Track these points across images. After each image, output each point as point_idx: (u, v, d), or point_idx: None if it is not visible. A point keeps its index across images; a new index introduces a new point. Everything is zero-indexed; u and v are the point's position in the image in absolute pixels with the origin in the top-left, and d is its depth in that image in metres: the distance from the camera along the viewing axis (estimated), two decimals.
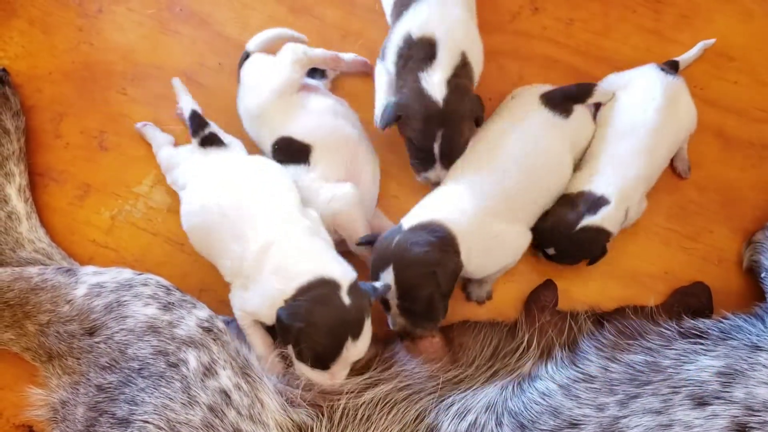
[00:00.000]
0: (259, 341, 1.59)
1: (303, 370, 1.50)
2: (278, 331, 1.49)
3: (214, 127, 1.77)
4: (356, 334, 1.46)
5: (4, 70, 1.92)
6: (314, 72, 1.89)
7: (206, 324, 1.52)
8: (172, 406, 1.39)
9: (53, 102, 1.95)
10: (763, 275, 1.71)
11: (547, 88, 1.77)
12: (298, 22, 1.98)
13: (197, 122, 1.76)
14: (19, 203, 1.80)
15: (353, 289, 1.48)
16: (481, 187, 1.64)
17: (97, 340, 1.48)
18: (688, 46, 1.94)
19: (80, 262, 1.81)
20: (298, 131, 1.71)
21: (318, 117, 1.73)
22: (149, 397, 1.40)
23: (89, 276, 1.58)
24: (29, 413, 1.55)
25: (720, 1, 1.99)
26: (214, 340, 1.50)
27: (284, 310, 1.44)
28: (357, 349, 1.47)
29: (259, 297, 1.52)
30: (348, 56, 1.86)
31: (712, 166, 1.89)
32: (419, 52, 1.67)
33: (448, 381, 1.60)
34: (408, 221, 1.61)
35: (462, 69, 1.67)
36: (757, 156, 1.89)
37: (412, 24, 1.69)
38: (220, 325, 1.55)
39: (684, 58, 1.88)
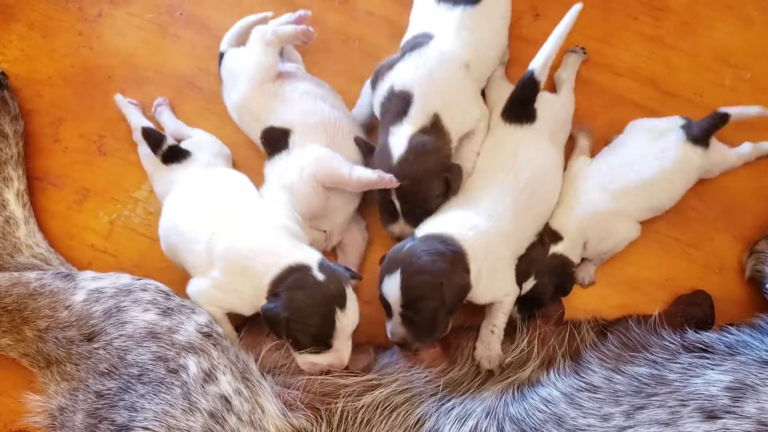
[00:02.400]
0: (227, 333, 1.60)
1: (308, 359, 1.52)
2: (269, 327, 1.53)
3: (170, 139, 1.78)
4: (342, 304, 1.49)
5: (3, 73, 1.91)
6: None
7: (206, 329, 1.51)
8: (172, 413, 1.38)
9: (52, 106, 1.94)
10: (767, 286, 1.70)
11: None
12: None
13: (152, 140, 1.76)
14: (17, 208, 1.79)
15: (323, 266, 1.52)
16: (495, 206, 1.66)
17: (96, 346, 1.47)
18: (690, 54, 1.95)
19: (79, 267, 1.80)
20: (278, 119, 1.72)
21: (296, 102, 1.73)
22: (149, 403, 1.39)
23: (88, 281, 1.58)
24: (27, 420, 1.54)
25: (721, 9, 1.98)
26: (214, 345, 1.49)
27: (267, 307, 1.48)
28: (349, 317, 1.51)
29: (235, 295, 1.56)
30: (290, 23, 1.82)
31: None
32: (395, 106, 1.66)
33: (447, 382, 1.60)
34: (423, 230, 1.61)
35: (431, 129, 1.64)
36: (757, 164, 1.88)
37: (398, 76, 1.68)
38: (220, 330, 1.54)
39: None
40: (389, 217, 1.70)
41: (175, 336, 1.47)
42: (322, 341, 1.50)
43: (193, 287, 1.61)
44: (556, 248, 1.69)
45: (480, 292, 1.60)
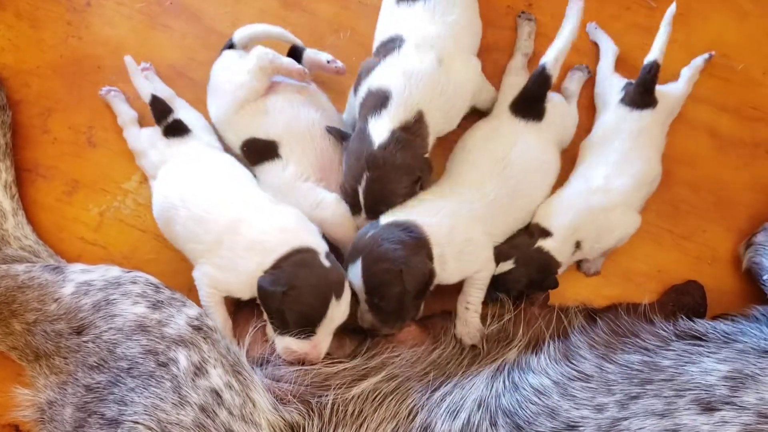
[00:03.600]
0: (220, 321, 1.61)
1: (287, 343, 1.52)
2: (260, 300, 1.52)
3: (178, 111, 1.78)
4: (339, 294, 1.51)
5: None
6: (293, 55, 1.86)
7: (196, 322, 1.50)
8: (162, 407, 1.37)
9: (41, 97, 1.92)
10: (765, 277, 1.70)
11: None
12: (290, 17, 1.97)
13: (159, 109, 1.75)
14: (5, 199, 1.77)
15: (330, 256, 1.54)
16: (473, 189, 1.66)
17: (85, 339, 1.46)
18: (683, 45, 1.94)
19: (68, 260, 1.79)
20: (262, 132, 1.71)
21: (278, 113, 1.72)
22: (139, 397, 1.38)
23: (77, 274, 1.56)
24: (16, 413, 1.53)
25: (714, 1, 1.98)
26: (204, 338, 1.48)
27: (265, 278, 1.49)
28: (341, 309, 1.52)
29: (235, 274, 1.56)
30: (326, 56, 1.82)
31: (705, 164, 1.89)
32: (374, 101, 1.63)
33: (434, 363, 1.60)
34: (387, 218, 1.60)
35: (414, 125, 1.62)
36: (750, 155, 1.88)
37: (375, 80, 1.66)
38: (210, 323, 1.53)
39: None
40: (352, 209, 1.69)
41: (165, 329, 1.46)
42: (309, 325, 1.50)
43: (198, 271, 1.61)
44: (543, 243, 1.67)
45: (448, 275, 1.61)
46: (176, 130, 1.74)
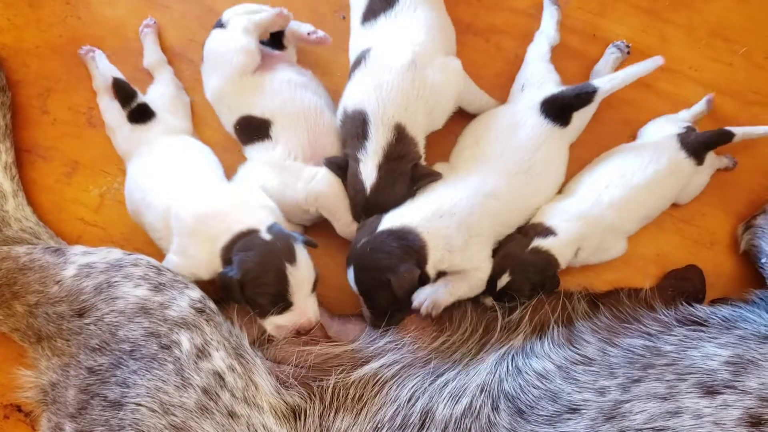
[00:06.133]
0: None
1: (274, 322, 1.54)
2: (227, 295, 1.54)
3: (151, 88, 1.81)
4: (291, 259, 1.51)
5: None
6: (275, 44, 1.86)
7: (199, 305, 1.50)
8: (165, 389, 1.38)
9: (40, 77, 1.91)
10: (763, 260, 1.70)
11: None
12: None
13: (123, 93, 1.77)
14: (5, 181, 1.77)
15: (272, 229, 1.54)
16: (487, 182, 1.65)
17: (86, 321, 1.46)
18: (685, 27, 1.94)
19: (68, 241, 1.79)
20: (257, 109, 1.72)
21: (276, 92, 1.72)
22: (141, 379, 1.39)
23: (78, 256, 1.56)
24: (19, 395, 1.53)
25: None
26: (207, 321, 1.48)
27: (221, 275, 1.52)
28: (301, 271, 1.53)
29: (192, 260, 1.58)
30: (307, 27, 1.81)
31: None
32: (353, 128, 1.63)
33: (437, 349, 1.60)
34: (385, 222, 1.60)
35: (398, 146, 1.61)
36: (750, 139, 1.88)
37: (348, 98, 1.65)
38: (213, 305, 1.54)
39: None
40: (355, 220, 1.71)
41: (168, 311, 1.46)
42: (280, 299, 1.52)
43: (166, 259, 1.63)
44: (542, 242, 1.64)
45: (447, 268, 1.61)
46: (140, 115, 1.76)
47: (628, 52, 1.89)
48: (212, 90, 1.77)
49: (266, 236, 1.53)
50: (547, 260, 1.64)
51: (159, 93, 1.84)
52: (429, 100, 1.64)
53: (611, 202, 1.67)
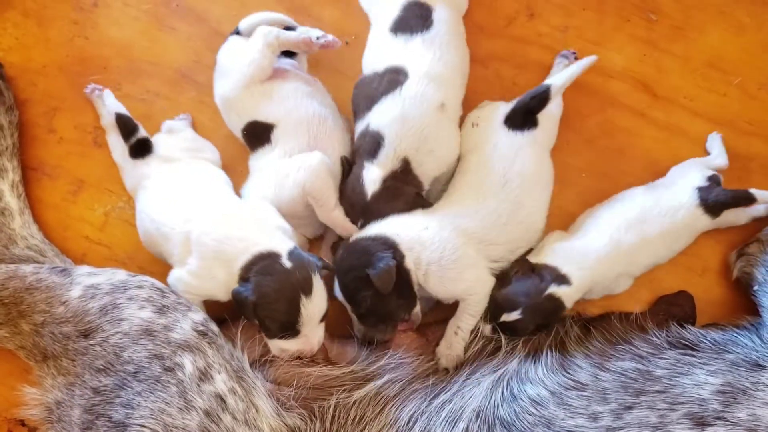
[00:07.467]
0: None
1: (279, 345, 1.57)
2: (239, 311, 1.55)
3: (142, 130, 1.82)
4: (307, 291, 1.53)
5: None
6: (286, 53, 1.89)
7: (201, 327, 1.53)
8: (168, 411, 1.41)
9: (47, 96, 1.94)
10: (755, 288, 1.72)
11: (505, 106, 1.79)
12: (296, 21, 1.97)
13: (125, 127, 1.80)
14: (12, 199, 1.80)
15: (292, 255, 1.55)
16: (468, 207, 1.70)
17: (92, 342, 1.49)
18: (681, 58, 1.97)
19: (73, 259, 1.82)
20: (263, 115, 1.75)
21: (282, 99, 1.75)
22: (145, 401, 1.42)
23: (84, 277, 1.59)
24: (23, 412, 1.56)
25: (713, 14, 2.00)
26: (209, 343, 1.51)
27: (236, 292, 1.52)
28: (315, 304, 1.54)
29: (210, 281, 1.59)
30: (316, 32, 1.82)
31: None
32: (368, 145, 1.67)
33: (433, 369, 1.65)
34: (362, 232, 1.66)
35: (401, 174, 1.66)
36: (743, 168, 1.91)
37: (375, 118, 1.68)
38: (215, 328, 1.57)
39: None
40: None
41: (171, 334, 1.49)
42: (289, 327, 1.54)
43: (172, 276, 1.64)
44: (557, 290, 1.64)
45: (433, 286, 1.64)
46: (142, 150, 1.79)
47: (576, 58, 1.91)
48: (221, 96, 1.80)
49: (287, 263, 1.54)
50: (559, 306, 1.65)
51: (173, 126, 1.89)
52: (435, 148, 1.69)
53: (628, 250, 1.69)
